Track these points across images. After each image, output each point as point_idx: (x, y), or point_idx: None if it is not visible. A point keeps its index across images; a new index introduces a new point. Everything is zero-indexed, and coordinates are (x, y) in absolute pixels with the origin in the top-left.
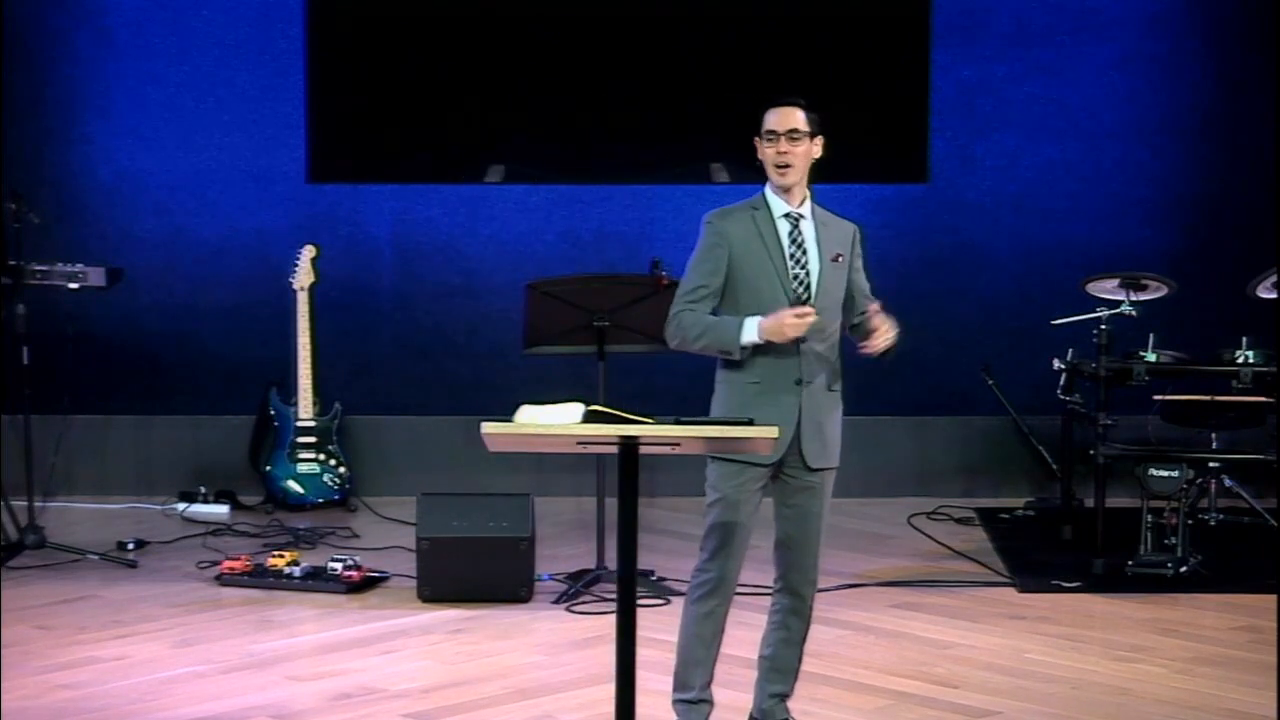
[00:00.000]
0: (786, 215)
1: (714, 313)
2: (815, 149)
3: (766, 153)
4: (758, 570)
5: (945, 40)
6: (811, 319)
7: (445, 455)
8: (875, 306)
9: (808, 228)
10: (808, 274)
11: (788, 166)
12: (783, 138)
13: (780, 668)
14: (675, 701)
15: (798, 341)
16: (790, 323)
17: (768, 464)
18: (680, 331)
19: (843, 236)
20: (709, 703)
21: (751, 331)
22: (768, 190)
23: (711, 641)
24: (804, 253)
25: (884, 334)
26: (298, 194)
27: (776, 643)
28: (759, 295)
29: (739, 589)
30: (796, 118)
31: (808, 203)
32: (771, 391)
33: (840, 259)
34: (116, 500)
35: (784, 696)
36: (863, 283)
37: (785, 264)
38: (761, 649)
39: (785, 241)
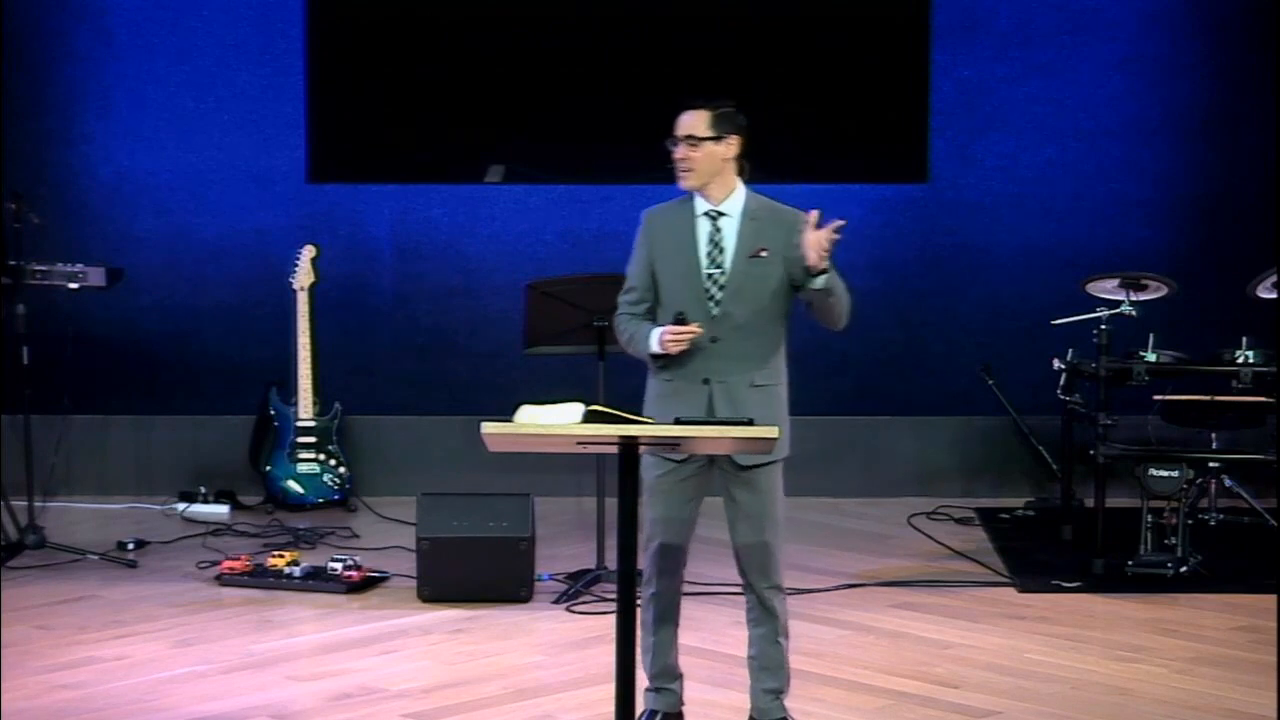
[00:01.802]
0: (706, 213)
1: (650, 310)
2: (725, 149)
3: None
4: None
5: (945, 40)
6: (689, 337)
7: (445, 455)
8: (812, 216)
9: (729, 225)
10: (723, 273)
11: (687, 170)
12: (681, 143)
13: (767, 665)
14: (646, 690)
15: (714, 339)
16: (667, 340)
17: (679, 459)
18: (618, 333)
19: (776, 230)
20: (671, 691)
21: (654, 342)
22: None
23: (653, 629)
24: (721, 251)
25: (814, 246)
26: (298, 194)
27: (757, 640)
28: (675, 293)
29: (736, 590)
30: (695, 123)
31: (733, 198)
32: (681, 390)
33: (764, 253)
34: (116, 500)
35: (778, 693)
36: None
37: (700, 262)
38: (747, 650)
39: (702, 240)
